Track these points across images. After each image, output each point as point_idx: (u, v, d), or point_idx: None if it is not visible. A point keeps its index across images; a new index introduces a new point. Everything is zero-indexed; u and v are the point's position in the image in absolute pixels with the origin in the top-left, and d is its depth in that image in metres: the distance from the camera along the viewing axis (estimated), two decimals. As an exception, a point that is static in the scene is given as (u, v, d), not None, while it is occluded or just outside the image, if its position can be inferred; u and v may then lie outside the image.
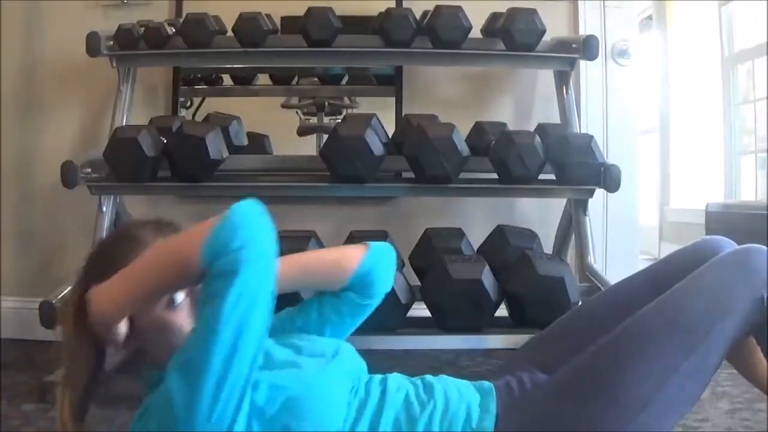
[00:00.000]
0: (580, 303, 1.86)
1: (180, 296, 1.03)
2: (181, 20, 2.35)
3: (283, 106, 2.70)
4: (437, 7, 2.23)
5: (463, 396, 1.06)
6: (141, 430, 0.98)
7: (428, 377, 1.10)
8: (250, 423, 0.93)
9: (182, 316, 1.03)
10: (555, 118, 2.43)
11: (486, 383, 1.11)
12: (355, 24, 2.38)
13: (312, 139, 2.66)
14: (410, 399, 1.04)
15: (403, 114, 2.52)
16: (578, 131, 2.36)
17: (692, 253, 1.23)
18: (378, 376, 1.09)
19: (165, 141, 2.06)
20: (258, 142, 2.54)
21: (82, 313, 1.01)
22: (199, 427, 0.88)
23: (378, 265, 1.15)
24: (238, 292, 0.88)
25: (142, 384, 1.08)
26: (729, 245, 1.20)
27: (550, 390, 1.06)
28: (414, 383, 1.08)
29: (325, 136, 2.15)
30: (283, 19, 2.47)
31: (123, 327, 1.00)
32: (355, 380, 1.07)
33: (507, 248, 2.12)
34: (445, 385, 1.08)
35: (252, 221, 0.92)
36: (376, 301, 1.18)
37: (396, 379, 1.08)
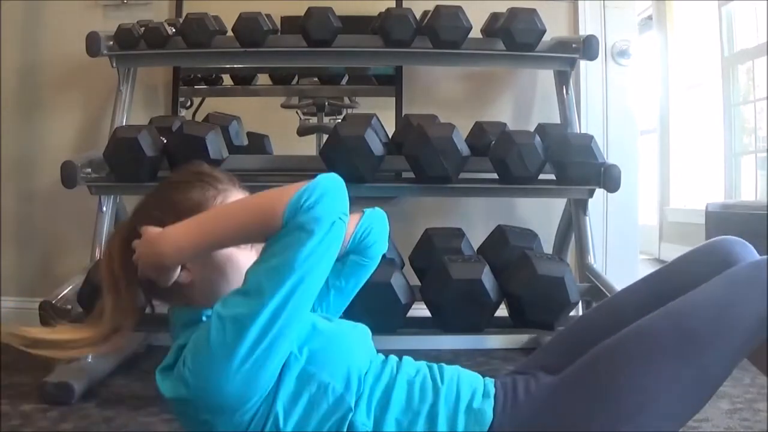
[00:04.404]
0: (580, 309, 1.87)
1: None
2: (181, 20, 2.35)
3: (283, 106, 2.70)
4: (437, 7, 2.22)
5: (470, 381, 1.11)
6: (183, 368, 0.98)
7: (441, 364, 1.14)
8: (284, 368, 0.99)
9: (245, 255, 1.07)
10: (555, 118, 2.43)
11: (489, 377, 1.15)
12: (355, 24, 2.38)
13: (312, 139, 2.66)
14: (424, 376, 1.09)
15: (403, 114, 2.52)
16: (578, 131, 2.36)
17: (701, 255, 1.20)
18: (394, 356, 1.13)
19: (165, 141, 2.06)
20: (258, 142, 2.53)
21: (128, 246, 1.05)
22: (236, 362, 0.93)
23: (374, 228, 1.20)
24: (311, 249, 0.95)
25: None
26: (741, 246, 1.18)
27: (551, 388, 1.07)
28: (428, 365, 1.13)
29: (325, 136, 2.15)
30: (283, 19, 2.47)
31: (178, 268, 1.04)
32: (372, 351, 1.12)
33: (507, 248, 2.12)
34: (455, 370, 1.13)
35: (334, 190, 0.99)
36: (373, 263, 1.23)
37: (410, 360, 1.13)
